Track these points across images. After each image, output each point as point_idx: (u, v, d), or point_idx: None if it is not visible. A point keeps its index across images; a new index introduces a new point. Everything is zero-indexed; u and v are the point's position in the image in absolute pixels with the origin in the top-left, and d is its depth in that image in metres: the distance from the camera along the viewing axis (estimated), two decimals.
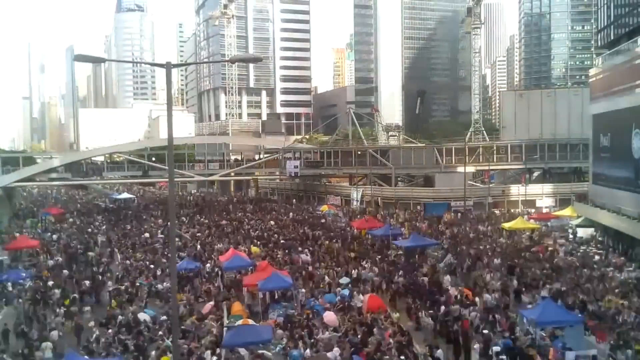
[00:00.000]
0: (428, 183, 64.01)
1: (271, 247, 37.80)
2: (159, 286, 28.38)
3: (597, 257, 32.50)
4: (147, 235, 45.75)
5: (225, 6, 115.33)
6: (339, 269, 30.24)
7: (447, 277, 27.66)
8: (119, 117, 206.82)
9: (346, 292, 25.20)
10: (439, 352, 18.15)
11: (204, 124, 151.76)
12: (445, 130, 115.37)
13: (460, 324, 20.39)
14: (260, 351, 18.65)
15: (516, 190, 57.82)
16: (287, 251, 35.48)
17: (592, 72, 45.96)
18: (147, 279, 30.29)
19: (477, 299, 23.99)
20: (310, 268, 30.68)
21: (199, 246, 39.28)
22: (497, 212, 53.02)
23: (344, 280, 27.25)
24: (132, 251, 38.86)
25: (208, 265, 32.67)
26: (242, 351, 18.85)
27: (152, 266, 33.09)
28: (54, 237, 47.04)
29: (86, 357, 18.78)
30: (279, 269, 28.45)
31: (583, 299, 23.44)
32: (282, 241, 39.54)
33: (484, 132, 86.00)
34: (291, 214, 56.13)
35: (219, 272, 30.40)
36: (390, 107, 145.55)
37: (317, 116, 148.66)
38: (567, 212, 45.99)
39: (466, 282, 27.45)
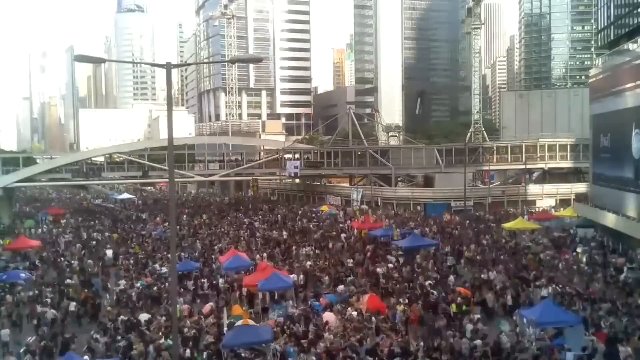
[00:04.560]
0: (428, 183, 64.04)
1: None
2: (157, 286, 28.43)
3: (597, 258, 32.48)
4: (147, 235, 45.85)
5: (226, 6, 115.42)
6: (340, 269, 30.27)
7: (451, 278, 27.68)
8: (119, 117, 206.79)
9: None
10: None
11: (204, 124, 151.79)
12: (445, 131, 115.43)
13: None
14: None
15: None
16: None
17: (592, 72, 45.98)
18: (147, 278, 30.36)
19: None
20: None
21: (199, 246, 39.40)
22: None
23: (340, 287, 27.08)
24: (132, 251, 38.91)
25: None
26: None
27: (152, 266, 33.17)
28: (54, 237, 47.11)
29: (86, 357, 18.76)
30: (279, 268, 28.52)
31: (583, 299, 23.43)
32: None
33: (484, 132, 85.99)
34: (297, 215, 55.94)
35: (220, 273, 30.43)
36: (390, 107, 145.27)
37: (317, 116, 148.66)
38: (567, 212, 46.04)
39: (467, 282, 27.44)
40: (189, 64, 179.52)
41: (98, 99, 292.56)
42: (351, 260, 32.16)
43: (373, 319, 21.38)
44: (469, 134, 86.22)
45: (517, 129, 74.87)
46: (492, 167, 64.14)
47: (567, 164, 63.22)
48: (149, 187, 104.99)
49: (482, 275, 28.19)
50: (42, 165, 68.49)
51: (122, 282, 29.69)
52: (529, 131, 70.64)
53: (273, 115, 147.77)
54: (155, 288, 28.03)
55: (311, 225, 47.29)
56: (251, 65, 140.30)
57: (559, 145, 63.35)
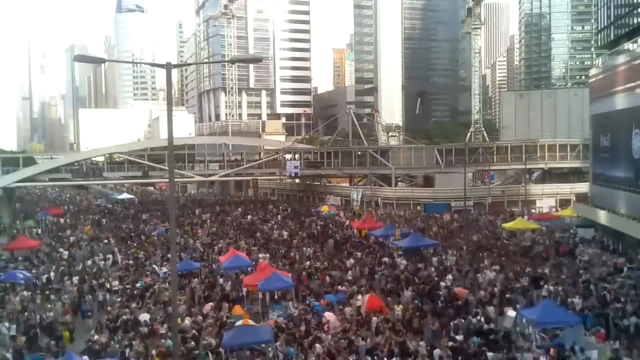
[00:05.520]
0: (428, 183, 64.03)
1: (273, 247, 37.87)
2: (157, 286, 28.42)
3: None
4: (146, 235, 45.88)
5: (226, 6, 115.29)
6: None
7: (449, 277, 27.69)
8: (119, 117, 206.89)
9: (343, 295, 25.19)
10: (437, 352, 18.15)
11: (204, 124, 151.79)
12: (445, 131, 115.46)
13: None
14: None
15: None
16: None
17: (592, 72, 45.93)
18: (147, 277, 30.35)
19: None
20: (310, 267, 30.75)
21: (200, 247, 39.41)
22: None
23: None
24: (132, 251, 38.88)
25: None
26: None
27: (153, 267, 33.17)
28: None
29: (85, 357, 18.75)
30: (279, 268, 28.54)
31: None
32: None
33: (484, 132, 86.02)
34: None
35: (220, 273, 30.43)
36: (390, 107, 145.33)
37: (317, 116, 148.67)
38: (567, 212, 46.03)
39: (465, 282, 27.42)
40: (189, 64, 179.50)
41: (98, 99, 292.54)
42: (351, 260, 32.20)
43: (374, 318, 21.40)
44: (469, 134, 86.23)
45: (517, 129, 74.77)
46: (492, 167, 64.11)
47: (567, 164, 63.24)
48: (149, 187, 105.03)
49: (482, 275, 28.17)
50: (42, 165, 68.48)
51: (116, 282, 29.77)
52: (529, 131, 70.57)
53: (273, 115, 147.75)
54: (155, 288, 28.05)
55: (312, 226, 47.28)
56: (251, 65, 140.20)
57: (559, 145, 63.38)
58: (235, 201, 75.46)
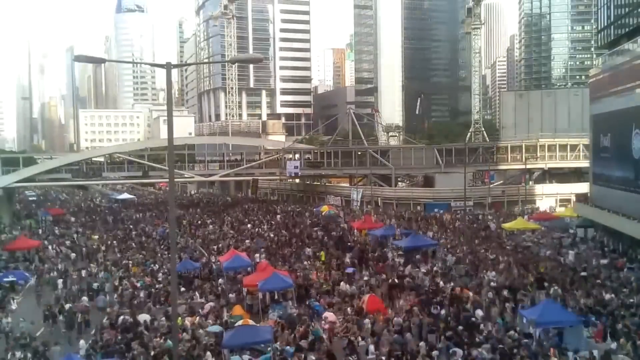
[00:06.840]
0: (428, 183, 64.03)
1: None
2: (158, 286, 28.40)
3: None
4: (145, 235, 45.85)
5: (226, 6, 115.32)
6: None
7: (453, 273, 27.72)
8: (119, 117, 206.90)
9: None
10: (436, 353, 18.14)
11: (204, 124, 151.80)
12: (445, 131, 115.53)
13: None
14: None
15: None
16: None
17: (592, 72, 45.96)
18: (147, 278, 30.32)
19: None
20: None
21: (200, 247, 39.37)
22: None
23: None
24: (131, 252, 38.83)
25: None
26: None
27: (152, 267, 33.14)
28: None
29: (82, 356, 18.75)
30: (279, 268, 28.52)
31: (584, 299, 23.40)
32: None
33: (484, 132, 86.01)
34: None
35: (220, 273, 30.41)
36: (390, 107, 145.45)
37: (317, 116, 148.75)
38: (567, 212, 46.02)
39: (466, 282, 27.38)
40: (189, 64, 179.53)
41: (98, 99, 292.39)
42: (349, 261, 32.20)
43: (367, 320, 21.36)
44: (469, 134, 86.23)
45: (517, 129, 74.76)
46: (492, 167, 64.13)
47: (567, 164, 63.23)
48: (150, 187, 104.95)
49: (481, 275, 28.15)
50: (42, 165, 68.42)
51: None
52: (529, 131, 70.54)
53: (273, 115, 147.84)
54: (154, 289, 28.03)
55: (312, 226, 47.26)
56: (251, 65, 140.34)
57: (559, 145, 63.38)
58: (235, 201, 75.42)
